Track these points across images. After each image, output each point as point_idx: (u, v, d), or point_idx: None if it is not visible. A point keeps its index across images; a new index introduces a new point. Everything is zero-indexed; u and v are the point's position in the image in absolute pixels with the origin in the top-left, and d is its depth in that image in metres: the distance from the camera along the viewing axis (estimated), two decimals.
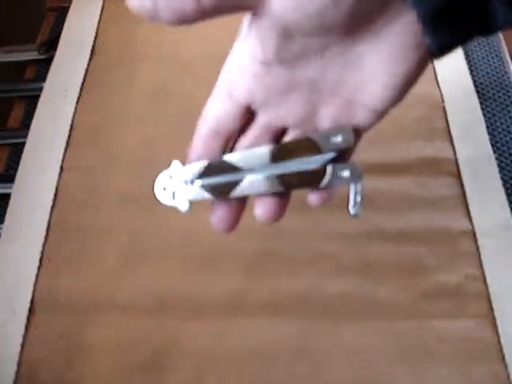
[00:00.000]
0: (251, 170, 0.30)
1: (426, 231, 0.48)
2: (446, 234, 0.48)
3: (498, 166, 0.52)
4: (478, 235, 0.48)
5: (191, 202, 0.31)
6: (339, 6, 0.24)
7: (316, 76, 0.29)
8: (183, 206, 0.31)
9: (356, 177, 0.30)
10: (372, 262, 0.47)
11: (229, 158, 0.31)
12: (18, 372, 0.42)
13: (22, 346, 0.43)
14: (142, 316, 0.44)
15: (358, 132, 0.31)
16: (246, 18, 0.27)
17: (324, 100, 0.29)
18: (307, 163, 0.30)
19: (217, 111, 0.31)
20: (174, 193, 0.31)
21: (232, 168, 0.31)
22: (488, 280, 0.45)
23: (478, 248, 0.47)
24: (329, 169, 0.30)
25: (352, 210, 0.31)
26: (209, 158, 0.31)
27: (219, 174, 0.31)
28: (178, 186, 0.31)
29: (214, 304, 0.44)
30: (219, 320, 0.44)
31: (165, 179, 0.31)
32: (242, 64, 0.29)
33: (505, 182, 0.51)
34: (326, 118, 0.30)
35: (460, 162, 0.52)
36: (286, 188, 0.30)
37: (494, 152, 0.53)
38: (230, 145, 0.32)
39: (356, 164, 0.30)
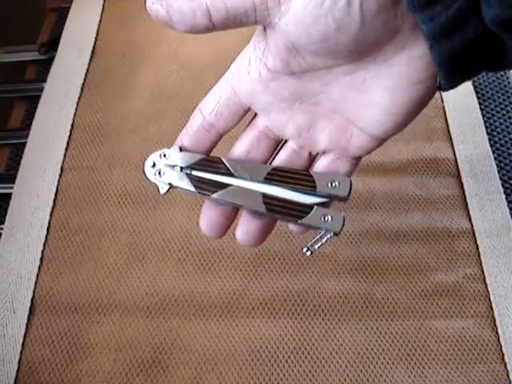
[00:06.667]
0: (242, 180, 0.30)
1: (425, 231, 0.48)
2: (445, 233, 0.48)
3: (497, 166, 0.52)
4: (477, 235, 0.48)
5: (172, 187, 0.31)
6: (342, 33, 0.25)
7: (320, 89, 0.29)
8: (162, 188, 0.31)
9: (334, 226, 0.29)
10: (370, 261, 0.47)
11: (226, 160, 0.30)
12: (18, 371, 0.42)
13: (23, 345, 0.43)
14: (142, 316, 0.44)
15: (355, 157, 0.30)
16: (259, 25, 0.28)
17: (324, 114, 0.30)
18: (297, 195, 0.30)
19: (216, 105, 0.30)
20: (159, 171, 0.31)
21: (225, 170, 0.30)
22: (487, 280, 0.46)
23: (477, 248, 0.47)
24: (315, 209, 0.29)
25: (309, 250, 0.30)
26: (202, 152, 0.31)
27: (210, 172, 0.30)
28: (166, 168, 0.31)
29: (213, 304, 0.45)
30: (219, 320, 0.44)
31: (159, 156, 0.31)
32: (251, 65, 0.29)
33: (504, 182, 0.51)
34: (323, 135, 0.30)
35: (459, 162, 0.52)
36: (267, 209, 0.29)
37: (493, 152, 0.53)
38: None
39: (341, 214, 0.30)
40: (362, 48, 0.26)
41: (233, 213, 0.31)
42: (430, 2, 0.23)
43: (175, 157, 0.30)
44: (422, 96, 0.27)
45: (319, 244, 0.30)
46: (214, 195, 0.30)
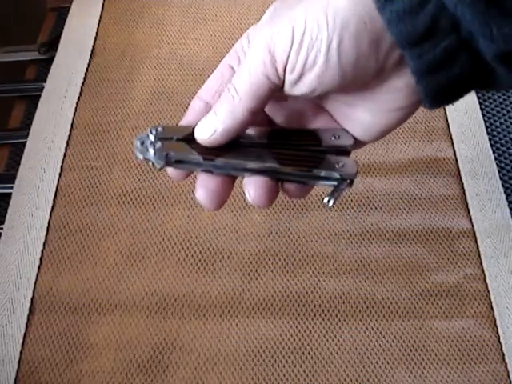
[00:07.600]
0: (246, 142, 0.28)
1: (426, 231, 0.48)
2: (446, 233, 0.48)
3: (498, 165, 0.52)
4: (477, 235, 0.48)
5: (170, 160, 0.27)
6: (323, 85, 0.26)
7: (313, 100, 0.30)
8: (158, 163, 0.27)
9: (348, 171, 0.28)
10: (371, 261, 0.47)
11: None
12: (18, 371, 0.42)
13: (23, 345, 0.43)
14: (142, 316, 0.44)
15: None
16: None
17: (316, 109, 0.31)
18: (304, 153, 0.29)
19: (221, 85, 0.29)
20: (153, 145, 0.27)
21: None
22: (488, 280, 0.46)
23: (477, 248, 0.47)
24: (327, 157, 0.29)
25: (330, 202, 0.28)
26: None
27: None
28: (161, 140, 0.27)
29: (213, 304, 0.45)
30: (219, 320, 0.44)
31: (149, 132, 0.27)
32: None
33: (504, 182, 0.51)
34: (307, 124, 0.31)
35: (459, 161, 0.52)
36: (279, 164, 0.28)
37: (494, 152, 0.53)
38: None
39: (352, 158, 0.29)
40: (348, 90, 0.27)
41: (230, 182, 0.29)
42: (419, 41, 0.24)
43: (169, 130, 0.27)
44: (402, 118, 0.28)
45: (339, 192, 0.28)
46: (221, 159, 0.27)
